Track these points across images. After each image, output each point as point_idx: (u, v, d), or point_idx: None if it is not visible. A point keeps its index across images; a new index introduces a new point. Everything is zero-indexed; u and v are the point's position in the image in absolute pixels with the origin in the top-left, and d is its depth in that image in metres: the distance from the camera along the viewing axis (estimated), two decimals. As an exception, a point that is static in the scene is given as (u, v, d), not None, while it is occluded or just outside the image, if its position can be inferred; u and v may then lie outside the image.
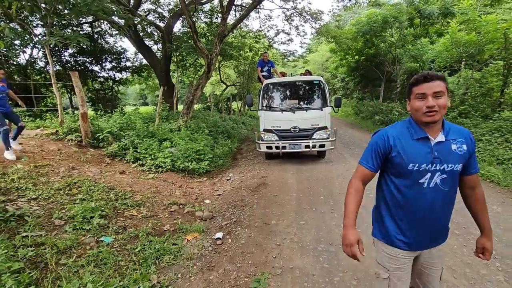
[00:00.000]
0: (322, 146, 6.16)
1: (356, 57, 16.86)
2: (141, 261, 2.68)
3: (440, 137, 1.28)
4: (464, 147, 1.29)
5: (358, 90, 20.42)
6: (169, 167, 5.35)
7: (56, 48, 9.93)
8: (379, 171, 1.46)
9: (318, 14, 12.97)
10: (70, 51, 10.71)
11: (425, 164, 1.27)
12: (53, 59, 10.34)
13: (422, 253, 1.44)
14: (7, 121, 4.39)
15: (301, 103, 6.52)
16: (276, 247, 3.01)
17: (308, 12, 12.88)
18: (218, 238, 3.22)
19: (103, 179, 4.28)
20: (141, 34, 10.84)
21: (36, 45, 9.33)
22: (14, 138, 4.48)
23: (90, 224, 3.08)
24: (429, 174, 1.28)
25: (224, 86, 19.87)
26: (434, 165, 1.26)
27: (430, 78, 1.22)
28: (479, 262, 2.60)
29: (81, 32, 10.09)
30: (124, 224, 3.32)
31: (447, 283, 2.32)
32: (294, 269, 2.61)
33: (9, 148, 4.18)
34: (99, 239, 2.92)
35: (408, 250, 1.39)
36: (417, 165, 1.27)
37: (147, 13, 11.42)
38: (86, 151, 5.15)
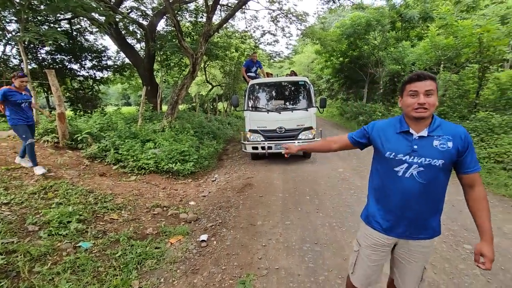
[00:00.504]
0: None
1: (341, 59, 17.16)
2: (121, 266, 2.58)
3: (424, 133, 1.35)
4: (449, 144, 1.32)
5: (343, 91, 20.80)
6: (152, 168, 5.21)
7: (32, 45, 9.48)
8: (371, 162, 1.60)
9: (304, 16, 13.11)
10: (47, 48, 10.26)
11: (402, 155, 1.36)
12: (29, 57, 9.88)
13: (399, 243, 1.49)
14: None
15: (287, 103, 6.55)
16: (262, 248, 2.98)
17: (294, 14, 12.99)
18: (203, 240, 3.15)
19: (81, 182, 4.10)
20: (123, 32, 10.54)
21: (9, 42, 8.87)
22: (23, 155, 4.17)
23: (67, 229, 2.93)
24: (405, 165, 1.36)
25: (210, 87, 19.68)
26: (412, 157, 1.35)
27: (423, 77, 1.31)
28: (457, 257, 2.68)
29: (58, 29, 9.69)
30: (104, 228, 3.19)
31: (428, 279, 2.37)
32: (279, 269, 2.59)
33: (37, 163, 3.99)
34: (77, 245, 2.78)
35: (382, 233, 1.48)
36: (393, 154, 1.39)
37: (129, 10, 11.12)
38: (64, 153, 4.94)
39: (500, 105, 7.32)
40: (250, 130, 6.32)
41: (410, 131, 1.37)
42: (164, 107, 10.75)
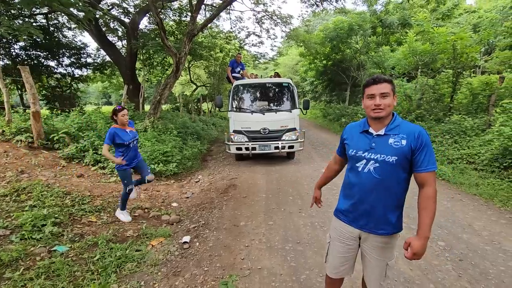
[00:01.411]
0: (291, 147, 6.27)
1: (324, 61, 17.49)
2: (100, 270, 2.50)
3: (381, 131, 1.46)
4: (403, 142, 1.39)
5: (326, 93, 21.17)
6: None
7: (4, 40, 9.01)
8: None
9: (288, 18, 13.25)
10: (21, 44, 9.77)
11: (361, 151, 1.48)
12: (1, 52, 9.38)
13: (363, 236, 1.58)
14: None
15: (271, 105, 6.60)
16: (245, 248, 2.99)
17: (278, 16, 13.10)
18: (185, 242, 3.11)
19: (58, 184, 3.94)
20: (103, 29, 10.23)
21: (-20, 36, 8.38)
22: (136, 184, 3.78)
23: (42, 233, 2.82)
24: (364, 161, 1.48)
25: (194, 87, 19.48)
26: (370, 154, 1.46)
27: (379, 80, 1.43)
28: (431, 254, 2.81)
29: (34, 24, 9.27)
30: (82, 231, 3.09)
31: (403, 275, 2.47)
32: (262, 269, 2.61)
33: (125, 209, 3.58)
34: (52, 249, 2.68)
35: (347, 224, 1.61)
36: (355, 151, 1.51)
37: (110, 7, 10.80)
38: (38, 153, 4.72)
39: (472, 109, 7.72)
40: (234, 131, 6.31)
41: (370, 130, 1.49)
42: (147, 107, 10.51)
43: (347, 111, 13.49)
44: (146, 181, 3.70)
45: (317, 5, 11.14)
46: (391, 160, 1.40)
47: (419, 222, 1.39)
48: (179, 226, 3.58)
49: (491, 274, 2.47)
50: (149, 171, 3.75)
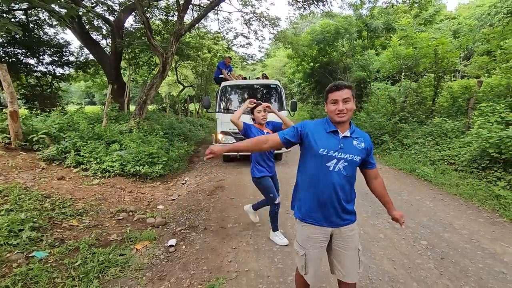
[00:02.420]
0: (278, 148, 6.28)
1: (311, 64, 17.69)
2: (81, 276, 2.41)
3: (347, 133, 1.60)
4: (363, 144, 1.62)
5: (313, 95, 21.41)
6: (117, 171, 4.95)
7: (-19, 36, 8.60)
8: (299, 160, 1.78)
9: (276, 20, 13.32)
10: (-1, 40, 9.36)
11: (332, 151, 1.56)
12: (-24, 48, 8.95)
13: (334, 233, 1.67)
14: None
15: (259, 106, 6.59)
16: (232, 250, 2.96)
17: (267, 18, 13.16)
18: (171, 245, 3.05)
19: (37, 186, 3.78)
20: (87, 27, 9.94)
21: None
22: (256, 208, 3.38)
23: (19, 238, 2.69)
24: (335, 160, 1.57)
25: (181, 87, 19.24)
26: (340, 153, 1.57)
27: (341, 87, 1.54)
28: (414, 252, 2.88)
29: (12, 20, 8.89)
30: (62, 236, 2.97)
31: (388, 274, 2.51)
32: (249, 271, 2.59)
33: (277, 229, 3.12)
34: (30, 255, 2.56)
35: (320, 226, 1.65)
36: (326, 150, 1.56)
37: (94, 4, 10.51)
38: (16, 155, 4.52)
39: (452, 112, 8.00)
40: (222, 132, 6.27)
41: (338, 131, 1.60)
42: (132, 107, 10.29)
43: (334, 113, 13.67)
44: (275, 207, 3.03)
45: (305, 8, 11.27)
46: (356, 160, 1.59)
47: (387, 202, 1.76)
48: (165, 229, 3.51)
49: (471, 271, 2.56)
50: (279, 192, 3.18)
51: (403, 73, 11.23)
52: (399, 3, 8.99)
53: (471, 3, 24.96)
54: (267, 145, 1.69)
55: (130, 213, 3.86)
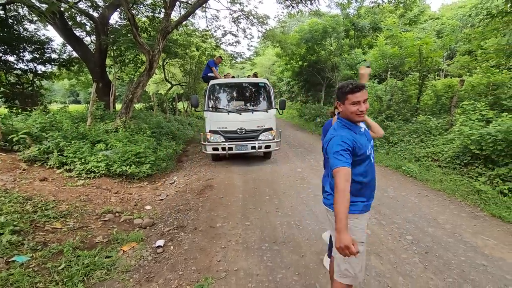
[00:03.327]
0: (267, 147, 6.30)
1: (300, 62, 17.78)
2: (65, 280, 2.34)
3: (363, 128, 1.78)
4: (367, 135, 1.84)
5: (302, 93, 21.55)
6: (103, 172, 4.83)
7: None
8: None
9: (264, 18, 13.30)
10: (-25, 36, 8.93)
11: (368, 147, 1.70)
12: (-49, 45, 8.52)
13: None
14: None
15: (247, 104, 6.59)
16: (221, 250, 2.95)
17: (255, 16, 13.11)
18: (158, 246, 3.01)
19: (17, 188, 3.65)
20: (70, 23, 9.62)
21: None
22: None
23: (-2, 243, 2.58)
24: (371, 152, 1.74)
25: (169, 85, 18.96)
26: (370, 145, 1.74)
27: (361, 88, 1.59)
28: (400, 247, 2.94)
29: (-10, 15, 8.52)
30: (45, 239, 2.88)
31: (375, 269, 2.56)
32: (238, 270, 2.58)
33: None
34: (10, 259, 2.46)
35: (367, 212, 1.77)
36: (368, 149, 1.70)
37: (77, 0, 10.19)
38: (-5, 156, 4.34)
39: (436, 110, 8.22)
40: (210, 131, 6.23)
41: (361, 129, 1.75)
42: (118, 106, 10.05)
43: (322, 111, 13.83)
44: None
45: (293, 7, 11.29)
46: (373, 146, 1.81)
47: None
48: (153, 230, 3.46)
49: (453, 264, 2.64)
50: None
51: (389, 72, 11.46)
52: (385, 2, 9.15)
53: (454, 4, 25.71)
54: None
55: (117, 214, 3.78)
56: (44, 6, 6.03)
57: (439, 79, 12.19)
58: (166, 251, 2.94)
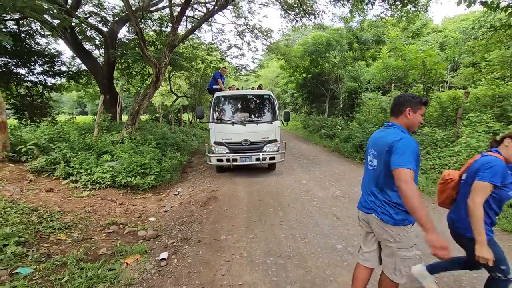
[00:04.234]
0: (272, 158, 6.30)
1: (304, 74, 17.98)
2: (68, 293, 2.32)
3: None
4: None
5: (306, 105, 21.67)
6: (108, 183, 4.86)
7: (-30, 46, 8.48)
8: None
9: (269, 32, 13.58)
10: (-12, 50, 9.23)
11: None
12: (-35, 58, 8.82)
13: None
14: None
15: (252, 116, 6.63)
16: (225, 263, 2.90)
17: (260, 30, 13.40)
18: (162, 259, 2.98)
19: (24, 199, 3.67)
20: (80, 37, 9.92)
21: None
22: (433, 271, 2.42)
23: (3, 254, 2.58)
24: None
25: (175, 97, 19.24)
26: None
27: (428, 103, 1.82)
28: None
29: (4, 30, 8.83)
30: (49, 250, 2.87)
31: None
32: (243, 285, 2.54)
33: None
34: (14, 271, 2.45)
35: None
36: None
37: (88, 15, 10.55)
38: (3, 167, 4.40)
39: (442, 122, 8.18)
40: (215, 142, 6.26)
41: None
42: (125, 117, 10.20)
43: (326, 123, 13.84)
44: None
45: (296, 21, 11.52)
46: None
47: None
48: (157, 242, 3.43)
49: (464, 281, 2.56)
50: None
51: (393, 84, 11.51)
52: (388, 16, 9.31)
53: (456, 17, 25.98)
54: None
55: (121, 225, 3.77)
56: (56, 21, 6.24)
57: (443, 91, 12.19)
58: (170, 264, 2.90)
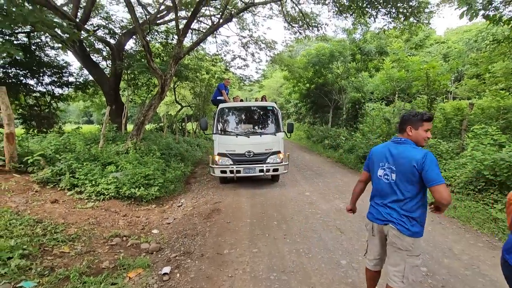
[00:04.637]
0: (275, 170, 6.29)
1: (307, 85, 18.12)
2: (70, 308, 2.31)
3: None
4: None
5: (310, 115, 21.74)
6: (112, 194, 4.87)
7: (-18, 58, 8.73)
8: (423, 187, 1.91)
9: (272, 43, 13.79)
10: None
11: None
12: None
13: None
14: None
15: (256, 127, 6.67)
16: (228, 279, 2.87)
17: (263, 41, 13.61)
18: (165, 273, 2.95)
19: (29, 210, 3.70)
20: (88, 50, 10.17)
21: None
22: None
23: (7, 267, 2.59)
24: None
25: (179, 107, 19.44)
26: None
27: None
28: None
29: (15, 42, 9.09)
30: (52, 264, 2.87)
31: None
32: (246, 302, 2.50)
33: None
34: (18, 285, 2.46)
35: None
36: None
37: (96, 28, 10.83)
38: (10, 177, 4.45)
39: (446, 133, 8.13)
40: (218, 154, 6.28)
41: None
42: (130, 127, 10.31)
43: (330, 133, 13.83)
44: None
45: (300, 33, 11.70)
46: None
47: None
48: (159, 256, 3.41)
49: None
50: None
51: (396, 95, 11.52)
52: (390, 28, 9.42)
53: (458, 28, 26.13)
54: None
55: (124, 238, 3.77)
56: (66, 34, 6.42)
57: (447, 102, 12.16)
58: (172, 279, 2.88)
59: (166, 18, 11.46)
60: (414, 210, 1.91)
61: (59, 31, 6.96)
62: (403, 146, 1.96)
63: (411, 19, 8.01)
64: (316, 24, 10.84)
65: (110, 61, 11.26)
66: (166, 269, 3.01)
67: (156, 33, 12.04)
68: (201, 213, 4.88)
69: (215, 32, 11.21)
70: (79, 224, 3.78)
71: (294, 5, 10.43)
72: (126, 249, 3.50)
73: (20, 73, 10.13)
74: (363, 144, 9.40)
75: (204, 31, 11.02)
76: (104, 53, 11.58)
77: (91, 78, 11.86)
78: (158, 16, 10.85)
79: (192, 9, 7.70)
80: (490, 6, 5.69)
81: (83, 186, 4.81)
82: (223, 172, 6.19)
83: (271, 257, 3.30)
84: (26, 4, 6.23)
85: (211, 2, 9.89)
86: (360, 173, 2.44)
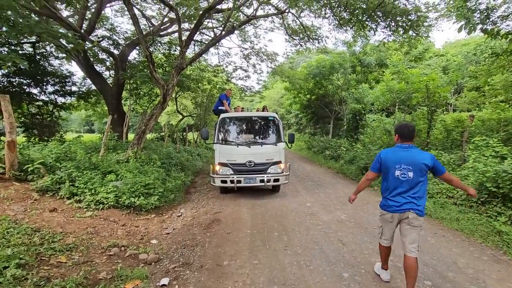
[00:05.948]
0: (276, 180, 6.25)
1: (308, 96, 18.26)
2: (65, 320, 2.25)
3: None
4: None
5: (310, 126, 21.80)
6: (112, 203, 4.83)
7: (-14, 67, 8.83)
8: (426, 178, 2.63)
9: (273, 55, 13.99)
10: (4, 71, 9.61)
11: None
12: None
13: None
14: None
15: (256, 138, 6.67)
16: (228, 291, 2.81)
17: (265, 53, 13.81)
18: (163, 285, 2.89)
19: (27, 219, 3.66)
20: (92, 60, 10.32)
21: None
22: None
23: (2, 277, 2.54)
24: None
25: (180, 117, 19.53)
26: None
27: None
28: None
29: (20, 52, 9.23)
30: (49, 274, 2.81)
31: (394, 320, 2.36)
32: (246, 316, 2.43)
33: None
34: (12, 296, 2.40)
35: None
36: None
37: (100, 39, 11.03)
38: (9, 186, 4.43)
39: (447, 145, 8.13)
40: (219, 163, 6.26)
41: None
42: (131, 136, 10.34)
43: (331, 144, 13.83)
44: None
45: (301, 45, 11.88)
46: None
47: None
48: (158, 266, 3.35)
49: None
50: None
51: (396, 106, 11.58)
52: (390, 41, 9.56)
53: (457, 41, 26.55)
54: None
55: (122, 248, 3.71)
56: (71, 45, 6.53)
57: (447, 113, 12.21)
58: (171, 291, 2.82)
59: (169, 30, 11.68)
60: (422, 196, 2.58)
61: (64, 42, 7.09)
62: (413, 150, 2.61)
63: (410, 32, 8.14)
64: (316, 37, 11.02)
65: (113, 71, 11.40)
66: (165, 281, 2.95)
67: (159, 44, 12.24)
68: (201, 223, 4.82)
69: (217, 44, 11.39)
70: (77, 233, 3.73)
71: (295, 18, 10.64)
72: (124, 259, 3.44)
73: (24, 82, 10.24)
74: (364, 155, 9.37)
75: (206, 42, 11.20)
76: (108, 63, 11.74)
77: (93, 87, 11.99)
78: (162, 28, 11.06)
79: (195, 22, 7.84)
80: (487, 20, 5.81)
81: (82, 195, 4.77)
82: (223, 182, 6.15)
83: (272, 269, 3.24)
84: (33, 15, 6.37)
85: (213, 15, 10.09)
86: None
